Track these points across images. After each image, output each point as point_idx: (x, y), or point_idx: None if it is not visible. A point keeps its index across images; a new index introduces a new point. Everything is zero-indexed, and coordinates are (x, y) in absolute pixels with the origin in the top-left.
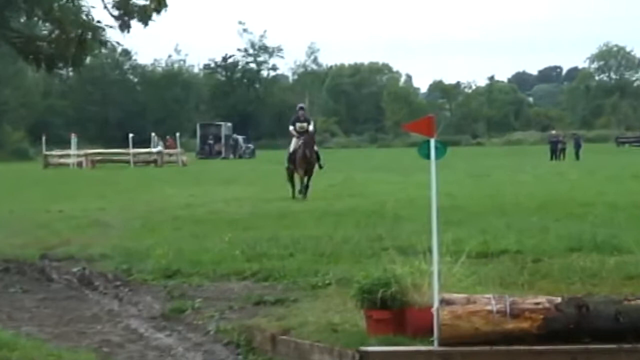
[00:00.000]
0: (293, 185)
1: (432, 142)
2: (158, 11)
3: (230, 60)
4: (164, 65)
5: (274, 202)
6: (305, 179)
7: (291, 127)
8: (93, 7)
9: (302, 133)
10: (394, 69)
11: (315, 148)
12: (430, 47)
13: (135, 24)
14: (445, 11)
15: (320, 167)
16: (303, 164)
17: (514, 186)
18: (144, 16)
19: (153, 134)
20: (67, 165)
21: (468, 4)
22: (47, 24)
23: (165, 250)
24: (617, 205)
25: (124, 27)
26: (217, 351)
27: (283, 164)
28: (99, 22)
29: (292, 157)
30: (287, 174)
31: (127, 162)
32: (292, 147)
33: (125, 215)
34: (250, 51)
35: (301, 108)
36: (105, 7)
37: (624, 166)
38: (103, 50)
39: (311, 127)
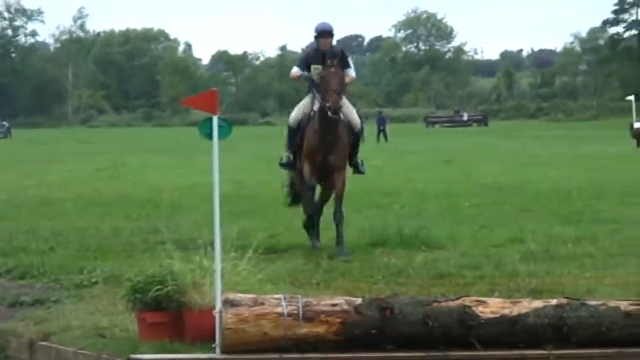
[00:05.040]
0: (311, 206)
1: (215, 119)
2: None
3: None
4: None
5: (32, 189)
6: (333, 193)
7: (294, 69)
8: None
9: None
10: (172, 37)
11: (356, 117)
12: (214, 10)
13: None
14: None
15: (358, 169)
16: (318, 152)
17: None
18: None
19: None
20: None
21: None
22: None
23: None
24: (427, 194)
25: None
26: None
27: (278, 157)
28: None
29: (294, 137)
30: (288, 180)
31: None
32: (294, 115)
33: None
34: (6, 14)
35: (325, 33)
36: None
37: (434, 150)
38: None
39: (352, 73)
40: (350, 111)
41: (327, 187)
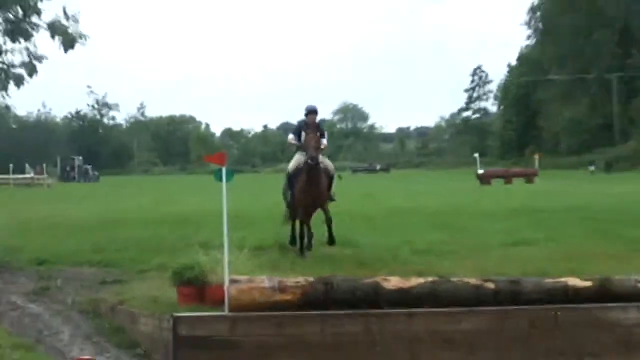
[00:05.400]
0: (294, 228)
1: (224, 170)
2: (30, 75)
3: (82, 113)
4: (34, 116)
5: (113, 213)
6: (324, 219)
7: (290, 136)
8: None
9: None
10: (197, 119)
11: (331, 165)
12: (223, 100)
13: (12, 86)
14: (224, 72)
15: (331, 199)
16: (307, 196)
17: (281, 201)
18: (19, 81)
19: (27, 164)
20: None
21: (246, 62)
22: None
23: (37, 246)
24: (353, 215)
25: (3, 89)
26: (73, 317)
27: (283, 197)
28: None
29: (292, 180)
30: (287, 211)
31: (8, 184)
32: (292, 165)
33: (6, 222)
34: (96, 106)
35: (312, 111)
36: None
37: (357, 187)
38: None
39: (325, 141)
40: (327, 162)
41: (323, 209)
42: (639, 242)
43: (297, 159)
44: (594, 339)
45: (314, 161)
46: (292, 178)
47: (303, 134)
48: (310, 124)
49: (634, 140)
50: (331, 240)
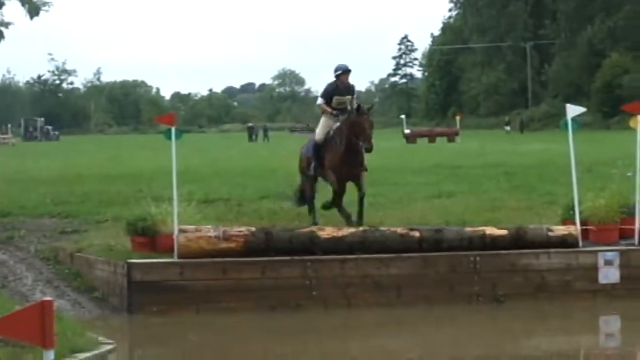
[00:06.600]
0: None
1: (173, 129)
2: None
3: (43, 78)
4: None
5: (72, 169)
6: (357, 195)
7: (320, 101)
8: None
9: (343, 111)
10: (149, 84)
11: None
12: (174, 68)
13: None
14: (173, 40)
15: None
16: (343, 165)
17: (226, 158)
18: None
19: None
20: None
21: (189, 38)
22: None
23: (2, 199)
24: (292, 171)
25: None
26: (35, 263)
27: (300, 172)
28: None
29: (317, 151)
30: (301, 179)
31: None
32: (319, 133)
33: None
34: (56, 72)
35: (345, 71)
36: None
37: (295, 145)
38: None
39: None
40: None
41: (358, 184)
42: (550, 195)
43: (327, 124)
44: (508, 282)
45: (369, 151)
46: (319, 147)
47: (335, 98)
48: (343, 86)
49: (546, 103)
50: (360, 219)
